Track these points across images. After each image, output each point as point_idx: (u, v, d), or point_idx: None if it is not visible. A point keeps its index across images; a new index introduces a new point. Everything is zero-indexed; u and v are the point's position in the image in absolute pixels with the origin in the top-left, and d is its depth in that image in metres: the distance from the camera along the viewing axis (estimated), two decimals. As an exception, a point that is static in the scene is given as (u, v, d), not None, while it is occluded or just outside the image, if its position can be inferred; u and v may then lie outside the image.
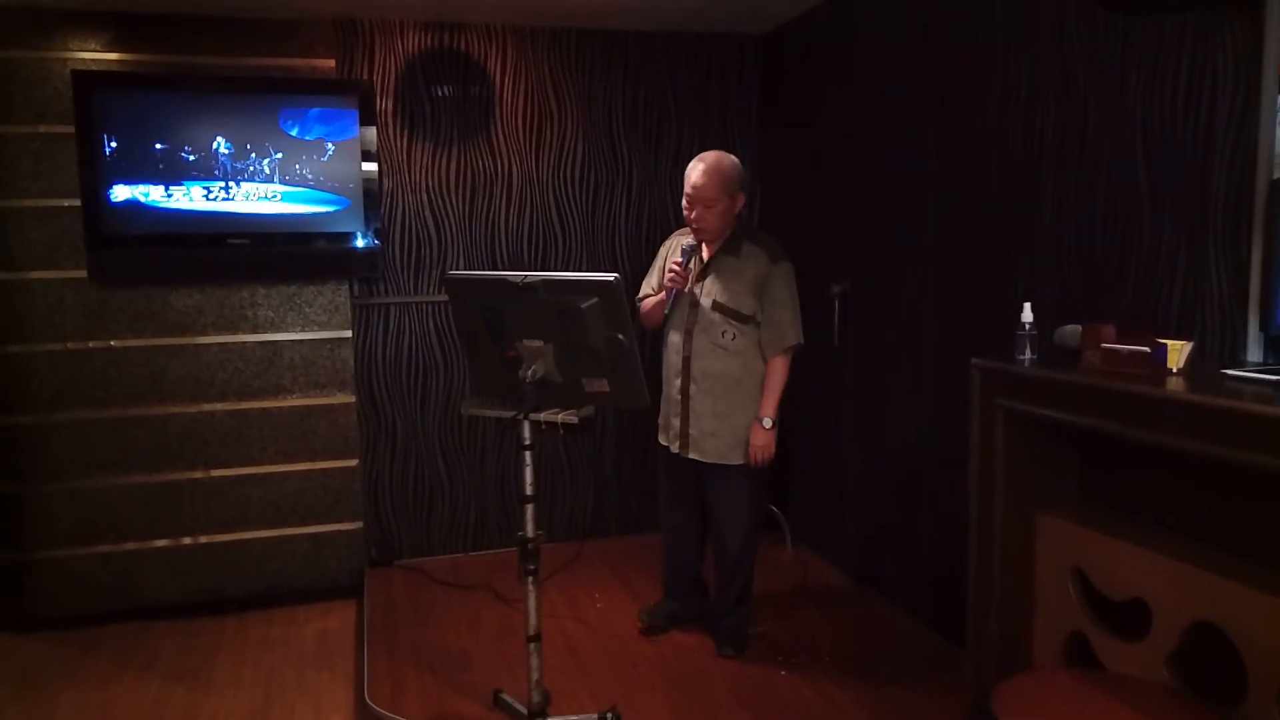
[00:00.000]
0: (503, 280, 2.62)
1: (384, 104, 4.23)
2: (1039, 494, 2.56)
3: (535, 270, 4.24)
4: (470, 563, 4.43)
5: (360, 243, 4.03)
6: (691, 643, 3.51)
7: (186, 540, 4.03)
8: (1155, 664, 2.19)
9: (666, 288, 3.29)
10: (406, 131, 4.28)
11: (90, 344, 3.88)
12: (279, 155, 3.87)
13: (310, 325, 4.11)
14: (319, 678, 3.40)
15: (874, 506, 3.93)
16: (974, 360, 2.57)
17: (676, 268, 3.25)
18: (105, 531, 3.94)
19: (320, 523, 4.18)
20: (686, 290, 3.30)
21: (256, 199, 3.87)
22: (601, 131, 4.52)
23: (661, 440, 3.47)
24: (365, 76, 4.17)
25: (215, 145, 3.80)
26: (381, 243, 4.15)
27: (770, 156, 4.68)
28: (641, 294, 3.50)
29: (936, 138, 3.37)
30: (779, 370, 3.27)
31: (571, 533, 4.61)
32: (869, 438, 3.94)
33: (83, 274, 3.81)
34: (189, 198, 3.80)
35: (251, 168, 3.85)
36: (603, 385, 2.63)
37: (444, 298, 4.32)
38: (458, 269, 4.37)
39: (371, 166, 4.01)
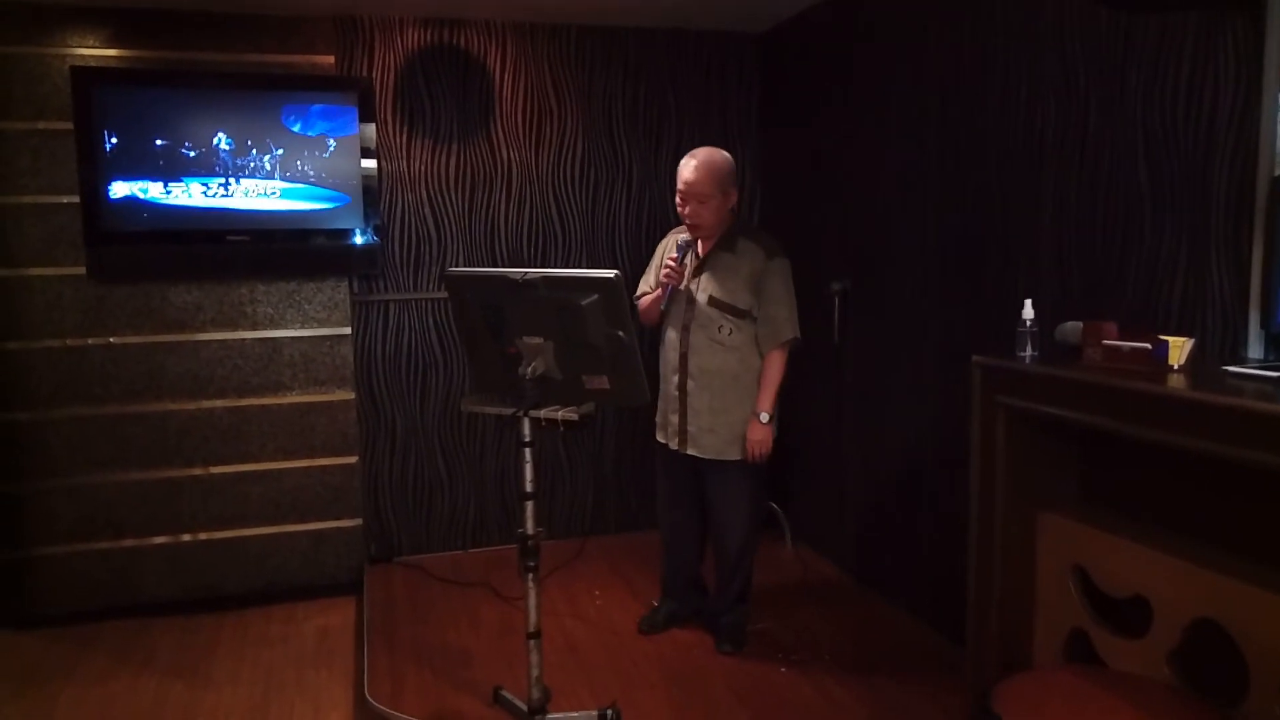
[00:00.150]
0: (502, 277, 2.62)
1: (384, 100, 4.22)
2: (1040, 491, 2.56)
3: (535, 267, 4.25)
4: (470, 560, 4.42)
5: (360, 239, 4.02)
6: (691, 640, 3.51)
7: (185, 537, 4.03)
8: (1156, 661, 2.19)
9: (662, 284, 3.29)
10: (406, 128, 4.28)
11: (89, 340, 3.87)
12: (280, 151, 3.87)
13: (310, 322, 4.11)
14: (318, 675, 3.40)
15: (874, 504, 3.93)
16: (975, 357, 2.57)
17: (672, 263, 3.26)
18: (104, 528, 3.94)
19: (320, 519, 4.18)
20: (683, 287, 3.30)
21: (256, 195, 3.87)
22: (601, 128, 4.51)
23: (659, 438, 3.47)
24: (365, 73, 4.17)
25: (216, 141, 3.79)
26: (381, 239, 4.15)
27: (770, 155, 4.68)
28: (639, 292, 3.50)
29: (937, 136, 3.37)
30: (776, 364, 3.27)
31: (571, 530, 4.60)
32: (869, 436, 3.94)
33: (81, 270, 3.80)
34: (188, 194, 3.80)
35: (252, 164, 3.84)
36: (603, 382, 2.62)
37: (443, 294, 4.32)
38: (457, 266, 4.37)
39: (371, 163, 4.00)
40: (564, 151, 4.48)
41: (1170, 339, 2.16)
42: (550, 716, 2.78)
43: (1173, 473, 2.36)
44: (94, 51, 3.80)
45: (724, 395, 3.27)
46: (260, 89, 3.87)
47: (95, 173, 3.69)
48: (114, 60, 3.82)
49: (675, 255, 3.27)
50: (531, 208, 4.47)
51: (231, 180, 3.83)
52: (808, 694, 3.11)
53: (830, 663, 3.32)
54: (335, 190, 3.95)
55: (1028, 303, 2.48)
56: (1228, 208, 2.29)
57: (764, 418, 3.24)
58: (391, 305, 4.35)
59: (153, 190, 3.76)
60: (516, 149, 4.42)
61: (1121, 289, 2.60)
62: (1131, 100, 2.54)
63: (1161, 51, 2.44)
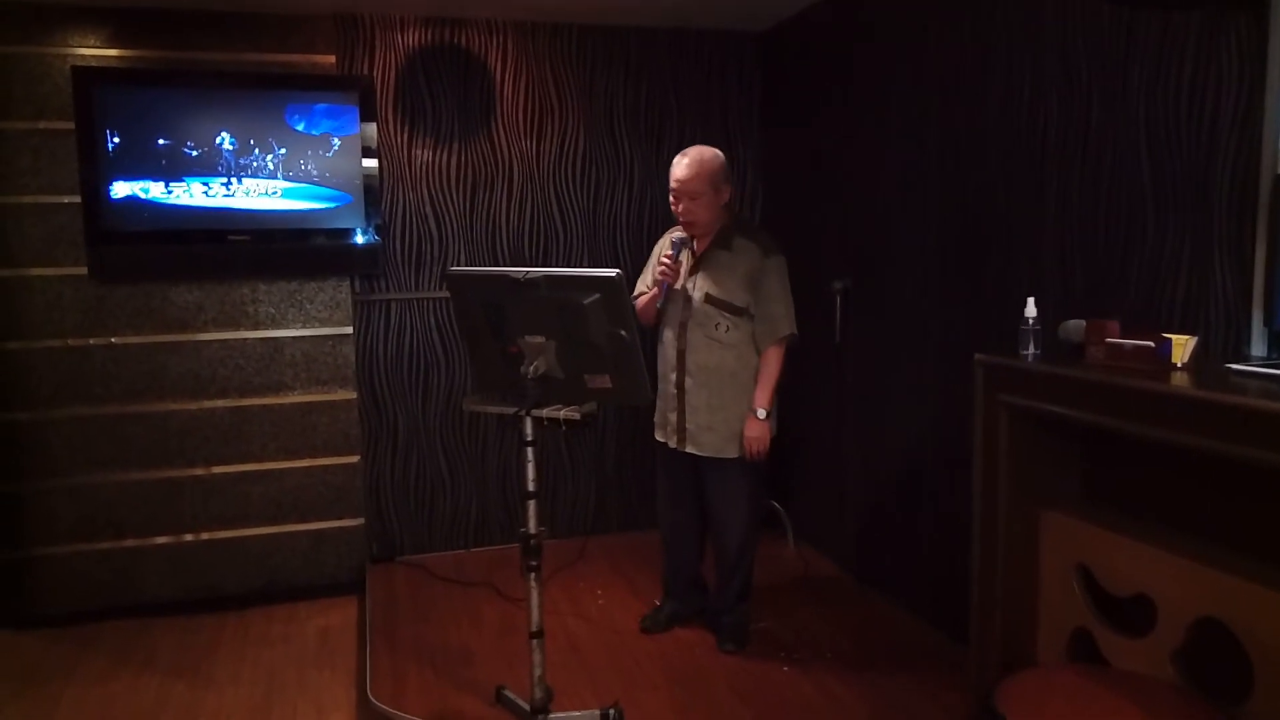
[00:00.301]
0: (504, 276, 2.61)
1: (384, 100, 4.22)
2: (1042, 490, 2.56)
3: (536, 266, 4.24)
4: (472, 559, 4.42)
5: (361, 239, 4.02)
6: (693, 639, 3.51)
7: (187, 537, 4.02)
8: (1160, 660, 2.19)
9: (658, 282, 3.29)
10: (407, 127, 4.27)
11: (90, 340, 3.87)
12: (283, 151, 3.87)
13: (311, 321, 4.11)
14: (320, 675, 3.40)
15: (875, 503, 3.93)
16: (977, 356, 2.56)
17: (668, 261, 3.26)
18: (105, 528, 3.93)
19: (321, 519, 4.18)
20: (678, 286, 3.30)
21: (257, 195, 3.87)
22: (603, 128, 4.51)
23: (658, 436, 3.47)
24: (366, 72, 4.16)
25: (219, 141, 3.79)
26: (382, 239, 4.15)
27: (771, 153, 4.67)
28: (636, 291, 3.50)
29: (937, 135, 3.37)
30: (773, 361, 3.26)
31: (574, 529, 4.60)
32: (870, 434, 3.93)
33: (82, 270, 3.80)
34: (189, 194, 3.80)
35: (255, 163, 3.84)
36: (605, 381, 2.62)
37: (445, 294, 4.32)
38: (459, 265, 4.37)
39: (372, 162, 4.00)
40: (565, 150, 4.48)
41: (1173, 337, 2.16)
42: (553, 716, 2.77)
43: (1176, 471, 2.35)
44: (94, 51, 3.80)
45: (722, 393, 3.27)
46: (261, 88, 3.87)
47: (96, 172, 3.69)
48: (114, 60, 3.82)
49: (670, 253, 3.27)
50: (533, 207, 4.47)
51: (233, 180, 3.83)
52: (809, 693, 3.11)
53: (832, 661, 3.32)
54: (337, 189, 3.95)
55: (1030, 301, 2.47)
56: (1231, 206, 2.28)
57: (761, 414, 3.23)
58: (393, 305, 4.34)
59: (154, 190, 3.76)
60: (518, 148, 4.42)
61: (1124, 287, 2.59)
62: (1134, 98, 2.54)
63: (1164, 49, 2.44)
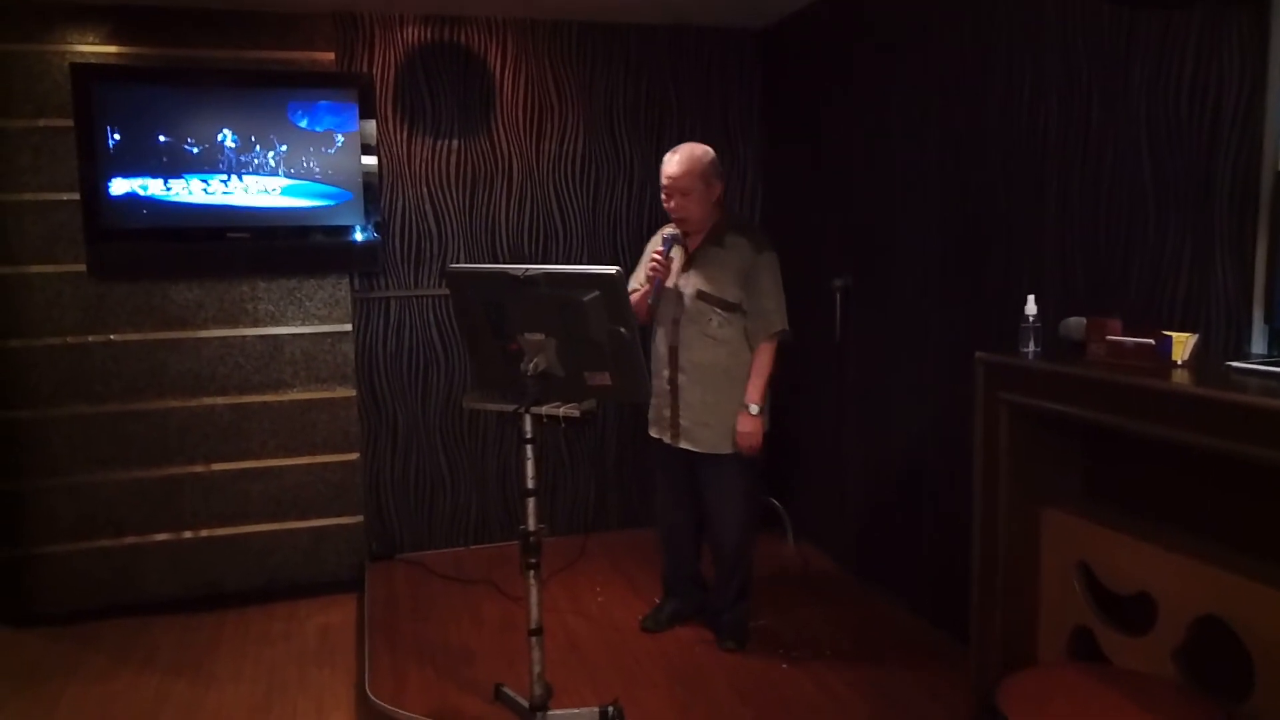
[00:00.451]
0: (504, 274, 2.61)
1: (384, 97, 4.21)
2: (1043, 488, 2.56)
3: (536, 263, 4.24)
4: (471, 557, 4.42)
5: (360, 236, 4.02)
6: (693, 637, 3.51)
7: (187, 535, 4.02)
8: (1161, 658, 2.19)
9: (649, 278, 3.29)
10: (407, 125, 4.27)
11: (89, 338, 3.87)
12: (284, 148, 3.86)
13: (311, 319, 4.10)
14: (320, 672, 3.40)
15: (876, 501, 3.93)
16: (978, 354, 2.56)
17: (658, 257, 3.26)
18: (105, 526, 3.93)
19: (321, 517, 4.18)
20: (670, 283, 3.30)
21: (257, 192, 3.86)
22: (602, 125, 4.50)
23: (653, 433, 3.47)
24: (365, 70, 4.16)
25: (221, 137, 3.79)
26: (382, 236, 4.14)
27: (771, 150, 4.67)
28: (629, 289, 3.49)
29: (938, 132, 3.36)
30: (765, 357, 3.27)
31: (573, 527, 4.60)
32: (871, 432, 3.93)
33: (82, 268, 3.80)
34: (189, 191, 3.79)
35: (256, 160, 3.84)
36: (604, 379, 2.62)
37: (445, 291, 4.31)
38: (458, 262, 4.36)
39: (371, 160, 4.00)
40: (565, 148, 4.47)
41: (1174, 335, 2.16)
42: (552, 714, 2.77)
43: (1177, 469, 2.35)
44: (93, 48, 3.79)
45: (716, 389, 3.27)
46: (260, 85, 3.87)
47: (95, 170, 3.68)
48: (113, 57, 3.81)
49: (661, 249, 3.28)
50: (532, 204, 4.46)
51: (234, 177, 3.83)
52: (809, 690, 3.11)
53: (832, 659, 3.32)
54: (336, 187, 3.95)
55: (1031, 298, 2.47)
56: (1232, 204, 2.28)
57: (753, 409, 3.24)
58: (392, 302, 4.34)
59: (153, 187, 3.75)
60: (517, 146, 4.41)
61: (1125, 285, 2.59)
62: (1135, 96, 2.53)
63: (1165, 47, 2.43)
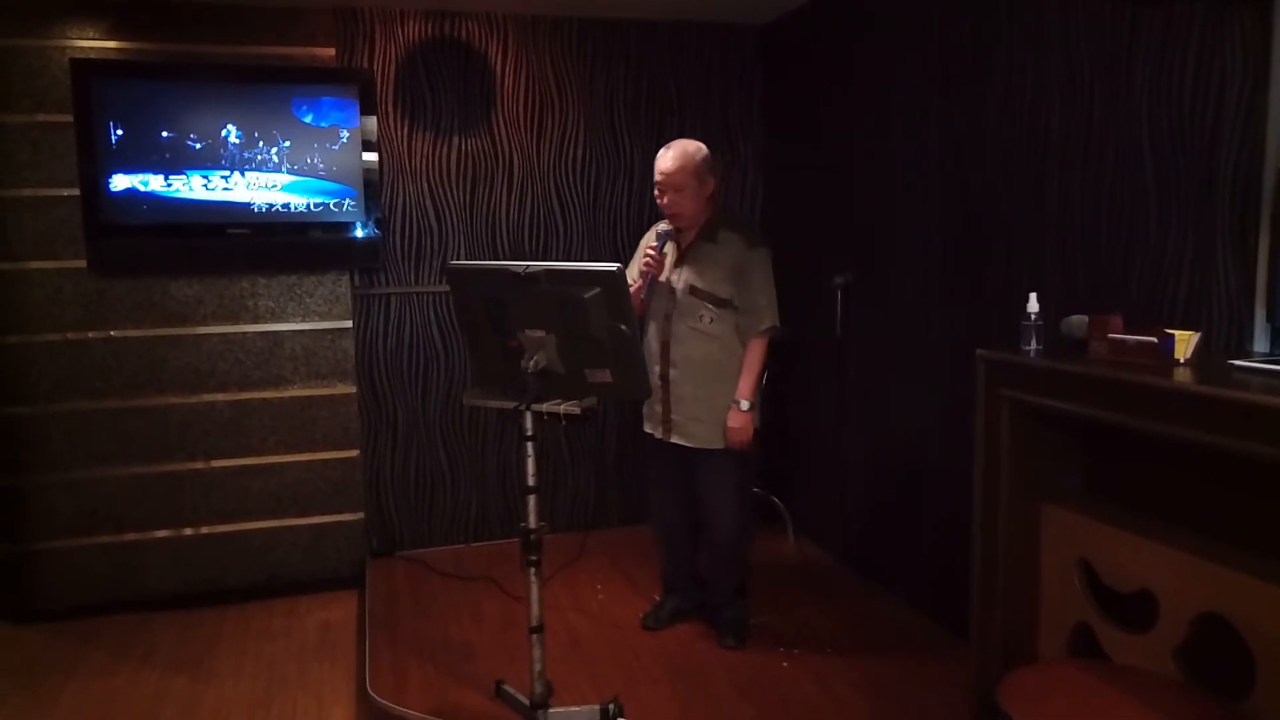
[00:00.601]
0: (504, 270, 2.61)
1: (384, 93, 4.20)
2: (1044, 485, 2.56)
3: (537, 260, 4.24)
4: (472, 554, 4.42)
5: (361, 232, 4.02)
6: (693, 634, 3.51)
7: (187, 531, 4.02)
8: (1162, 656, 2.19)
9: (642, 273, 3.29)
10: (407, 121, 4.26)
11: (89, 334, 3.87)
12: (287, 144, 3.86)
13: (311, 315, 4.10)
14: (320, 669, 3.40)
15: (876, 498, 3.93)
16: (979, 351, 2.56)
17: (651, 253, 3.26)
18: (105, 522, 3.93)
19: (321, 513, 4.18)
20: (663, 278, 3.30)
21: (257, 188, 3.86)
22: (603, 121, 4.50)
23: (646, 428, 3.47)
24: (366, 65, 4.15)
25: (224, 133, 3.78)
26: (382, 232, 4.14)
27: (772, 146, 4.66)
28: None
29: (939, 129, 3.36)
30: (756, 352, 3.27)
31: (574, 524, 4.60)
32: (871, 429, 3.93)
33: (82, 264, 3.79)
34: (189, 187, 3.79)
35: (259, 156, 3.83)
36: (605, 376, 2.61)
37: (445, 288, 4.31)
38: (459, 259, 4.36)
39: (372, 156, 3.99)
40: (565, 144, 4.47)
41: (1176, 333, 2.16)
42: (552, 711, 2.77)
43: (1178, 466, 2.35)
44: (93, 44, 3.78)
45: (708, 384, 3.27)
46: (263, 81, 3.86)
47: (95, 165, 3.68)
48: (113, 52, 3.80)
49: (655, 245, 3.28)
50: (533, 201, 4.46)
51: (236, 173, 3.82)
52: (809, 687, 3.11)
53: (832, 656, 3.32)
54: (338, 183, 3.94)
55: (1032, 296, 2.46)
56: (1234, 201, 2.28)
57: (744, 405, 3.24)
58: (393, 298, 4.34)
59: (153, 183, 3.75)
60: (518, 142, 4.41)
61: (1127, 283, 2.59)
62: (1137, 94, 2.53)
63: (1167, 44, 2.43)
